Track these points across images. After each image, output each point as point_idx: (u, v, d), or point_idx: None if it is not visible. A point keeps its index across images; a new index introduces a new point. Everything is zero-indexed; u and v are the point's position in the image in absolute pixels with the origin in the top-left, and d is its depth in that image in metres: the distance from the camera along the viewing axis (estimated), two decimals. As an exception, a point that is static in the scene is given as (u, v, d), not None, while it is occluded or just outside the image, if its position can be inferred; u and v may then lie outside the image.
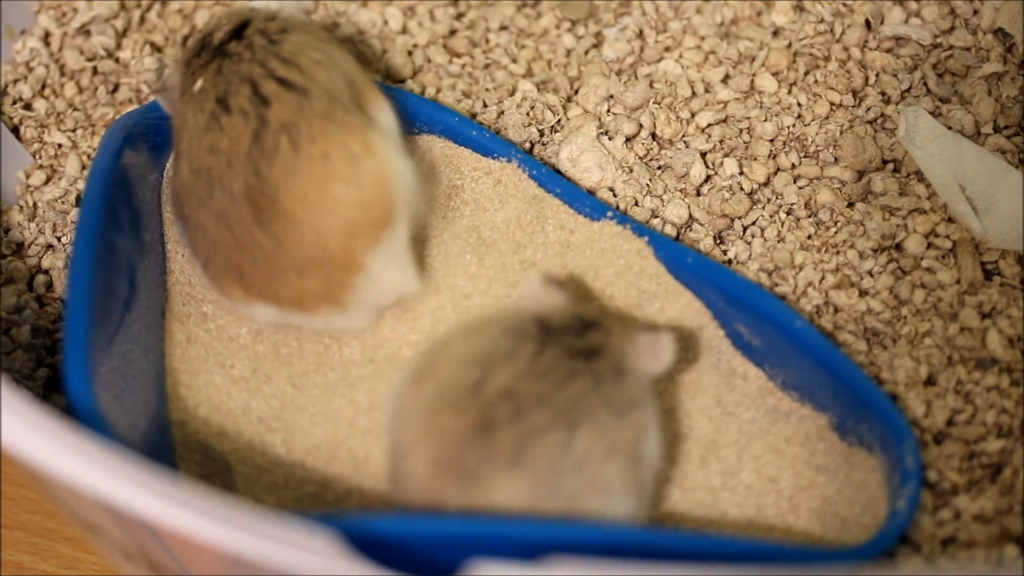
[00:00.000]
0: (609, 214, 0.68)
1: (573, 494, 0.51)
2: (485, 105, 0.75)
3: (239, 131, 0.60)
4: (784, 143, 0.73)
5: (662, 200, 0.71)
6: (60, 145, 0.74)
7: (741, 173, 0.72)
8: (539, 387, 0.52)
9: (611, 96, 0.75)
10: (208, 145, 0.60)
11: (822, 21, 0.78)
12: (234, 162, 0.59)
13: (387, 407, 0.57)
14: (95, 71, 0.77)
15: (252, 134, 0.59)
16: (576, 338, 0.55)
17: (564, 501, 0.51)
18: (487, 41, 0.79)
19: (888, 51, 0.76)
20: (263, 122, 0.59)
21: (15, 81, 0.76)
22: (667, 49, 0.78)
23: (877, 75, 0.75)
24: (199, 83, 0.62)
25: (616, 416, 0.53)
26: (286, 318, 0.62)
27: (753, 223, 0.70)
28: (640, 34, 0.78)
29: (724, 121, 0.74)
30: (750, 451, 0.61)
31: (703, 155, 0.73)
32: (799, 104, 0.74)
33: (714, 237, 0.70)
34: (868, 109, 0.74)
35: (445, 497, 0.52)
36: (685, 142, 0.73)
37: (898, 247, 0.69)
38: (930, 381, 0.64)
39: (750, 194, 0.71)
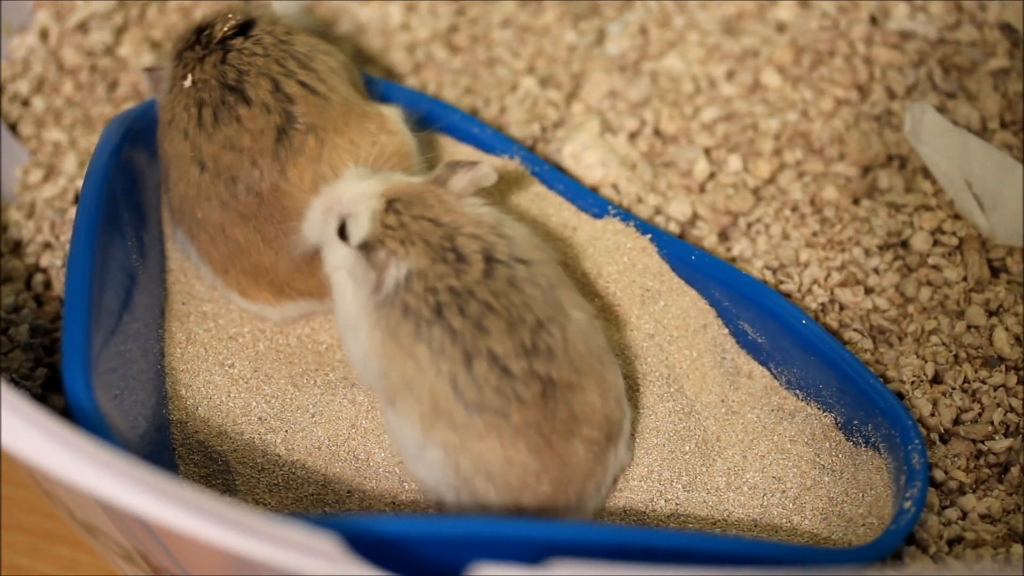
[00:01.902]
0: (612, 211, 0.67)
1: None
2: (487, 102, 0.75)
3: (261, 125, 0.60)
4: (789, 139, 0.73)
5: (665, 197, 0.70)
6: (58, 143, 0.74)
7: (745, 170, 0.72)
8: None
9: (614, 92, 0.75)
10: (226, 142, 0.60)
11: (827, 16, 0.77)
12: (259, 161, 0.60)
13: None
14: (93, 68, 0.77)
15: (276, 130, 0.60)
16: None
17: None
18: (489, 37, 0.78)
19: (894, 46, 0.76)
20: (290, 119, 0.60)
21: (13, 78, 0.76)
22: (670, 45, 0.77)
23: (883, 71, 0.75)
24: (188, 79, 0.62)
25: None
26: (319, 307, 0.64)
27: (758, 220, 0.70)
28: (643, 30, 0.78)
29: (728, 117, 0.74)
30: (755, 450, 0.61)
31: (707, 151, 0.72)
32: (804, 100, 0.74)
33: (718, 234, 0.69)
34: (873, 105, 0.73)
35: None
36: (689, 138, 0.73)
37: (904, 244, 0.68)
38: (936, 379, 0.64)
39: (754, 191, 0.71)
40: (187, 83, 0.62)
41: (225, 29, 0.63)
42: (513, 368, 0.53)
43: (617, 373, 0.58)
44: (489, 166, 0.58)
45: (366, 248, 0.55)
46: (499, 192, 0.69)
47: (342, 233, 0.57)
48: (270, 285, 0.62)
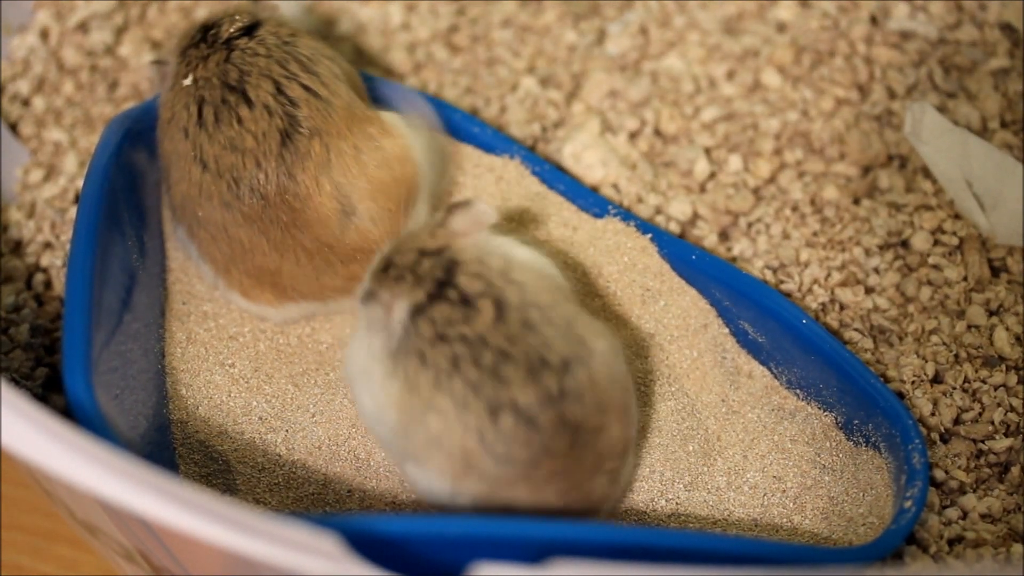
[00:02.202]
0: (612, 211, 0.67)
1: None
2: (487, 102, 0.75)
3: (263, 128, 0.60)
4: (789, 139, 0.73)
5: (666, 197, 0.70)
6: (59, 142, 0.74)
7: (746, 169, 0.72)
8: None
9: (614, 92, 0.75)
10: (227, 142, 0.60)
11: (827, 16, 0.77)
12: (263, 164, 0.60)
13: None
14: (94, 68, 0.77)
15: (280, 133, 0.60)
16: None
17: None
18: (489, 37, 0.78)
19: (894, 46, 0.76)
20: (293, 123, 0.60)
21: (13, 78, 0.76)
22: (671, 45, 0.77)
23: (883, 70, 0.75)
24: (189, 77, 0.62)
25: None
26: (321, 309, 0.64)
27: (758, 220, 0.70)
28: (643, 30, 0.78)
29: (728, 117, 0.74)
30: (755, 450, 0.61)
31: (707, 151, 0.72)
32: (804, 100, 0.74)
33: (718, 234, 0.69)
34: (874, 105, 0.73)
35: None
36: (689, 138, 0.73)
37: (904, 244, 0.68)
38: (937, 379, 0.64)
39: (755, 191, 0.71)
40: (187, 81, 0.62)
41: (231, 30, 0.63)
42: (540, 420, 0.52)
43: (634, 396, 0.57)
44: (487, 205, 0.57)
45: (368, 298, 0.55)
46: (500, 193, 0.69)
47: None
48: (273, 287, 0.62)
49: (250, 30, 0.63)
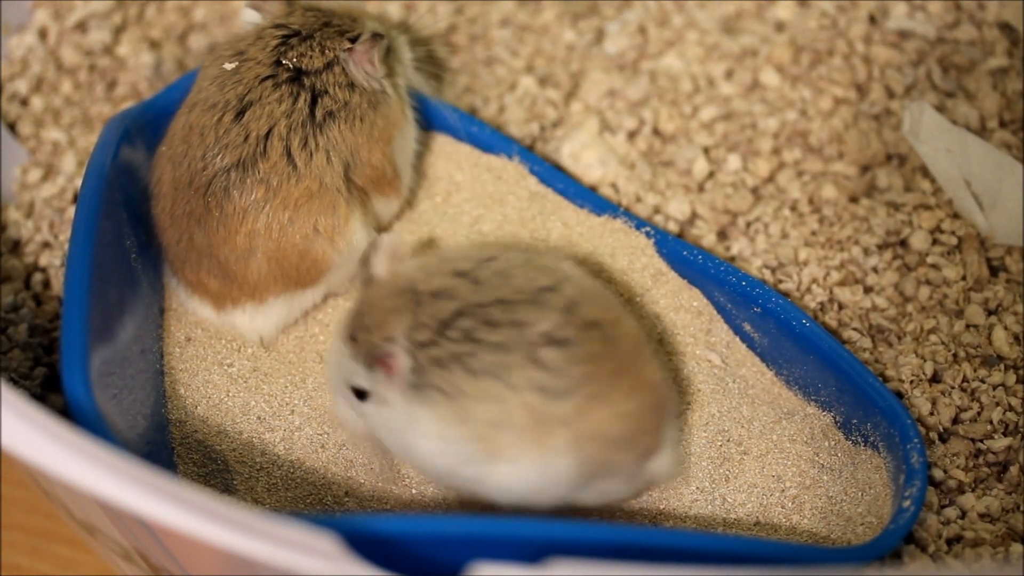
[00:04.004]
0: (611, 210, 0.67)
1: None
2: (486, 101, 0.75)
3: (236, 141, 0.61)
4: (787, 138, 0.73)
5: (664, 196, 0.70)
6: (57, 142, 0.74)
7: (744, 169, 0.72)
8: None
9: (613, 91, 0.75)
10: (200, 130, 0.62)
11: (826, 15, 0.77)
12: (212, 159, 0.62)
13: None
14: (92, 67, 0.77)
15: (240, 157, 0.61)
16: None
17: None
18: (488, 36, 0.78)
19: (892, 45, 0.76)
20: (253, 163, 0.60)
21: (12, 77, 0.76)
22: (669, 44, 0.77)
23: (881, 70, 0.75)
24: (233, 64, 0.62)
25: None
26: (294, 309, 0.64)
27: (757, 219, 0.70)
28: (642, 29, 0.78)
29: (727, 116, 0.74)
30: (754, 450, 0.61)
31: (706, 151, 0.72)
32: (803, 99, 0.74)
33: (717, 233, 0.69)
34: (872, 104, 0.73)
35: None
36: (688, 138, 0.73)
37: (903, 243, 0.68)
38: (935, 378, 0.64)
39: (753, 190, 0.71)
40: (229, 67, 0.62)
41: (311, 64, 0.62)
42: (571, 334, 0.52)
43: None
44: (394, 235, 0.57)
45: (374, 365, 0.54)
46: (498, 193, 0.69)
47: (359, 395, 0.56)
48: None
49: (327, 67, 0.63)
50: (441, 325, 0.53)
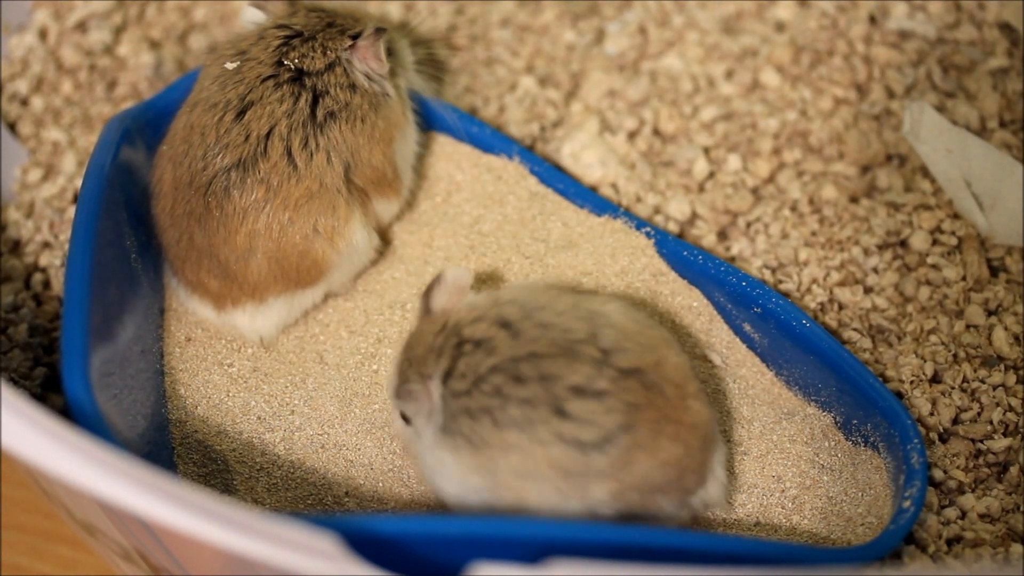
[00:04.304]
0: (611, 210, 0.67)
1: None
2: (486, 101, 0.75)
3: (236, 140, 0.61)
4: (788, 138, 0.73)
5: (664, 196, 0.70)
6: (57, 142, 0.74)
7: (744, 169, 0.72)
8: None
9: (613, 92, 0.75)
10: (201, 128, 0.62)
11: (826, 16, 0.77)
12: (212, 158, 0.62)
13: None
14: (92, 67, 0.77)
15: (240, 157, 0.61)
16: None
17: None
18: (488, 36, 0.78)
19: (893, 46, 0.76)
20: (254, 162, 0.60)
21: (12, 77, 0.76)
22: (669, 44, 0.77)
23: (882, 70, 0.75)
24: (235, 64, 0.62)
25: None
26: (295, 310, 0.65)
27: (757, 219, 0.70)
28: (642, 29, 0.78)
29: (727, 117, 0.74)
30: (755, 450, 0.61)
31: (706, 151, 0.72)
32: (803, 99, 0.74)
33: (717, 233, 0.69)
34: (872, 104, 0.73)
35: None
36: (688, 138, 0.73)
37: (903, 243, 0.68)
38: (936, 379, 0.64)
39: (753, 190, 0.71)
40: (231, 66, 0.62)
41: (313, 66, 0.62)
42: (604, 386, 0.52)
43: (671, 335, 0.58)
44: (459, 270, 0.57)
45: (405, 398, 0.55)
46: (498, 193, 0.69)
47: (404, 418, 0.57)
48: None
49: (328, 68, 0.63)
50: (477, 379, 0.53)
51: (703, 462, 0.55)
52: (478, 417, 0.53)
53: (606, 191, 0.71)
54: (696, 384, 0.56)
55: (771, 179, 0.71)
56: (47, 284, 0.69)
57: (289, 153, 0.61)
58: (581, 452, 0.52)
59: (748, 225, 0.70)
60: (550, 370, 0.52)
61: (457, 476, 0.54)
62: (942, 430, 0.62)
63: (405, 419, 0.56)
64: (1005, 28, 0.76)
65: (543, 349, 0.53)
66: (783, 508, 0.60)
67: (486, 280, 0.65)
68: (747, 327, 0.64)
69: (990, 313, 0.66)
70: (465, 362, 0.54)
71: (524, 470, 0.52)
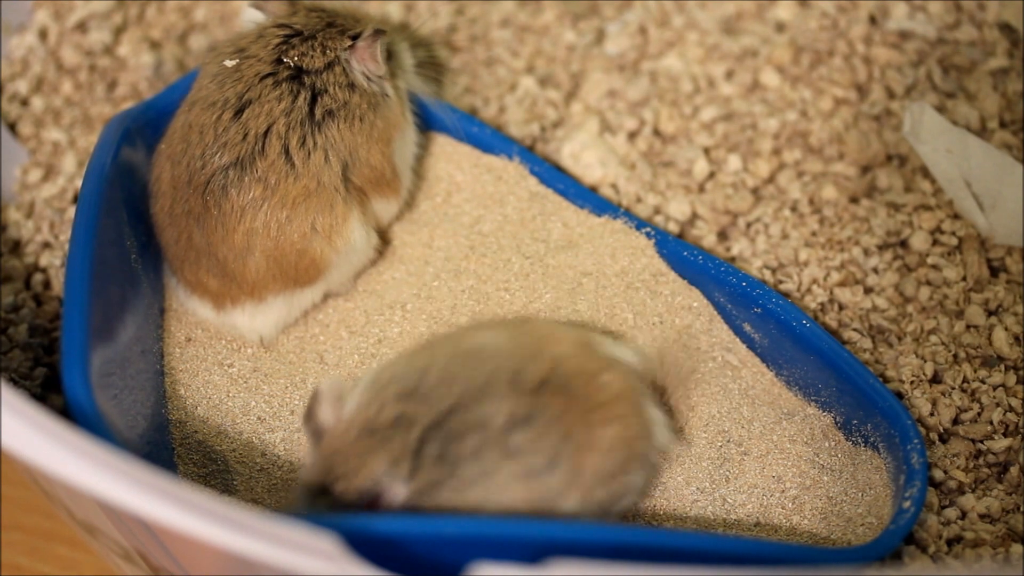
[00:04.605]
0: (611, 211, 0.67)
1: None
2: (486, 101, 0.75)
3: (235, 139, 0.61)
4: (788, 139, 0.73)
5: (665, 196, 0.70)
6: (57, 142, 0.74)
7: (745, 169, 0.72)
8: None
9: (613, 92, 0.75)
10: (199, 128, 0.62)
11: (826, 16, 0.77)
12: (208, 164, 0.62)
13: None
14: (92, 68, 0.77)
15: (238, 155, 0.61)
16: None
17: None
18: (488, 36, 0.78)
19: (893, 46, 0.76)
20: (252, 161, 0.60)
21: (12, 77, 0.76)
22: (669, 44, 0.77)
23: (882, 70, 0.75)
24: (234, 61, 0.62)
25: None
26: (294, 310, 0.65)
27: (757, 220, 0.70)
28: (642, 29, 0.78)
29: (727, 117, 0.74)
30: (755, 450, 0.61)
31: (706, 151, 0.72)
32: (803, 99, 0.74)
33: (717, 234, 0.69)
34: (873, 104, 0.73)
35: None
36: (688, 138, 0.73)
37: (903, 244, 0.68)
38: (936, 379, 0.64)
39: (754, 190, 0.71)
40: (229, 63, 0.62)
41: (312, 64, 0.62)
42: (527, 411, 0.52)
43: (532, 319, 0.58)
44: (331, 381, 0.54)
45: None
46: (498, 193, 0.69)
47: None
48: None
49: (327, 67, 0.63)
50: (413, 455, 0.51)
51: (641, 423, 0.55)
52: (432, 493, 0.51)
53: (606, 191, 0.71)
54: (589, 351, 0.55)
55: (771, 179, 0.71)
56: (47, 284, 0.69)
57: (287, 151, 0.61)
58: (539, 480, 0.52)
59: (748, 225, 0.70)
60: (478, 415, 0.52)
61: None
62: (942, 430, 0.62)
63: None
64: (1005, 28, 0.76)
65: (461, 400, 0.52)
66: (783, 508, 0.60)
67: (486, 281, 0.65)
68: (747, 327, 0.64)
69: (990, 313, 0.66)
70: (394, 445, 0.51)
71: (503, 510, 0.52)
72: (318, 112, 0.62)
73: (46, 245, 0.70)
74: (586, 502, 0.53)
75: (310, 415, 0.54)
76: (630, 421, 0.55)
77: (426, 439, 0.51)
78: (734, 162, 0.72)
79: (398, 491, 0.51)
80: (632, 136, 0.73)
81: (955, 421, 0.62)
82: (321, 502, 0.52)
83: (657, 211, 0.70)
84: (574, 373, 0.54)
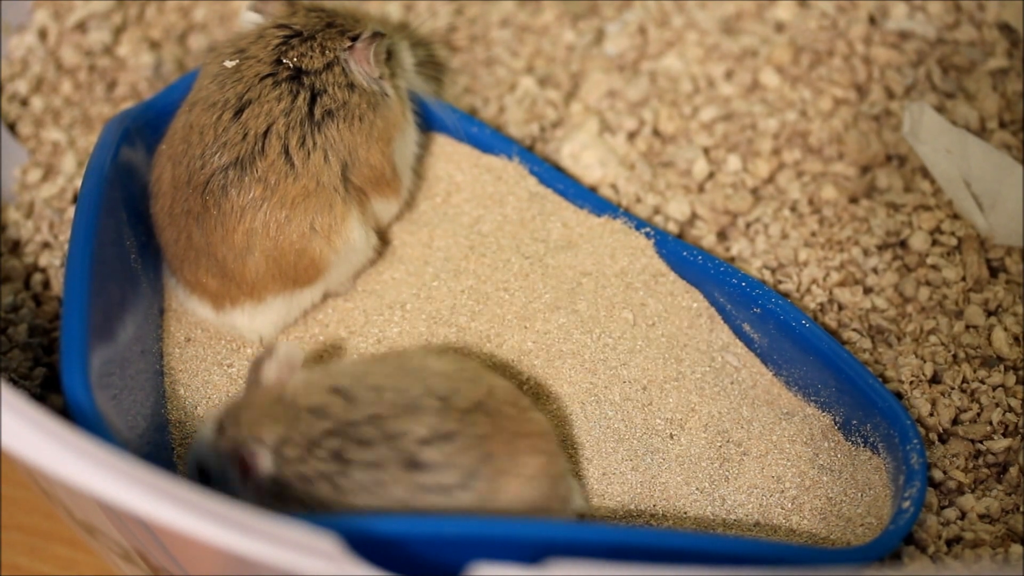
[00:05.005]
0: (611, 211, 0.67)
1: None
2: (486, 101, 0.75)
3: (234, 139, 0.61)
4: (787, 139, 0.73)
5: (664, 197, 0.70)
6: (57, 142, 0.74)
7: (744, 169, 0.72)
8: None
9: (613, 92, 0.75)
10: (199, 128, 0.61)
11: (825, 16, 0.77)
12: (210, 157, 0.62)
13: None
14: (92, 68, 0.77)
15: (238, 155, 0.61)
16: None
17: None
18: (488, 36, 0.78)
19: (892, 46, 0.76)
20: (251, 161, 0.60)
21: (12, 77, 0.76)
22: (669, 45, 0.77)
23: (881, 70, 0.75)
24: (234, 62, 0.62)
25: None
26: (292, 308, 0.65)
27: (756, 220, 0.70)
28: (642, 30, 0.78)
29: (727, 117, 0.74)
30: (754, 450, 0.61)
31: (706, 151, 0.72)
32: (803, 100, 0.74)
33: (717, 234, 0.69)
34: (872, 105, 0.73)
35: None
36: (688, 138, 0.73)
37: (903, 244, 0.68)
38: (935, 379, 0.64)
39: (753, 190, 0.71)
40: (229, 64, 0.62)
41: (311, 64, 0.62)
42: (451, 427, 0.52)
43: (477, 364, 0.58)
44: (290, 345, 0.56)
45: (228, 452, 0.53)
46: (498, 193, 0.69)
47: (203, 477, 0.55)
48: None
49: (326, 68, 0.63)
50: (310, 444, 0.52)
51: (562, 469, 0.55)
52: (315, 483, 0.51)
53: (606, 191, 0.71)
54: (527, 400, 0.56)
55: (771, 179, 0.71)
56: (47, 284, 0.69)
57: (287, 151, 0.61)
58: (446, 496, 0.52)
59: (748, 225, 0.70)
60: (395, 428, 0.52)
61: None
62: (942, 430, 0.62)
63: (204, 477, 0.54)
64: (1005, 29, 0.76)
65: (385, 411, 0.52)
66: (782, 508, 0.60)
67: (486, 281, 0.65)
68: (747, 327, 0.64)
69: (990, 314, 0.66)
70: (298, 428, 0.52)
71: None
72: (317, 112, 0.62)
73: (46, 245, 0.70)
74: None
75: (257, 365, 0.55)
76: (556, 460, 0.55)
77: (332, 433, 0.52)
78: (734, 162, 0.72)
79: (264, 462, 0.52)
80: (632, 136, 0.73)
81: (954, 421, 0.62)
82: (211, 439, 0.54)
83: (657, 211, 0.70)
84: (507, 402, 0.55)
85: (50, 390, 0.65)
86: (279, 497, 0.52)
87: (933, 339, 0.65)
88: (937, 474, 0.61)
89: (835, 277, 0.67)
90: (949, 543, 0.59)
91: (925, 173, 0.70)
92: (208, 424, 0.55)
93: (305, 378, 0.55)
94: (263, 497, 0.52)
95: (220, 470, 0.54)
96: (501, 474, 0.53)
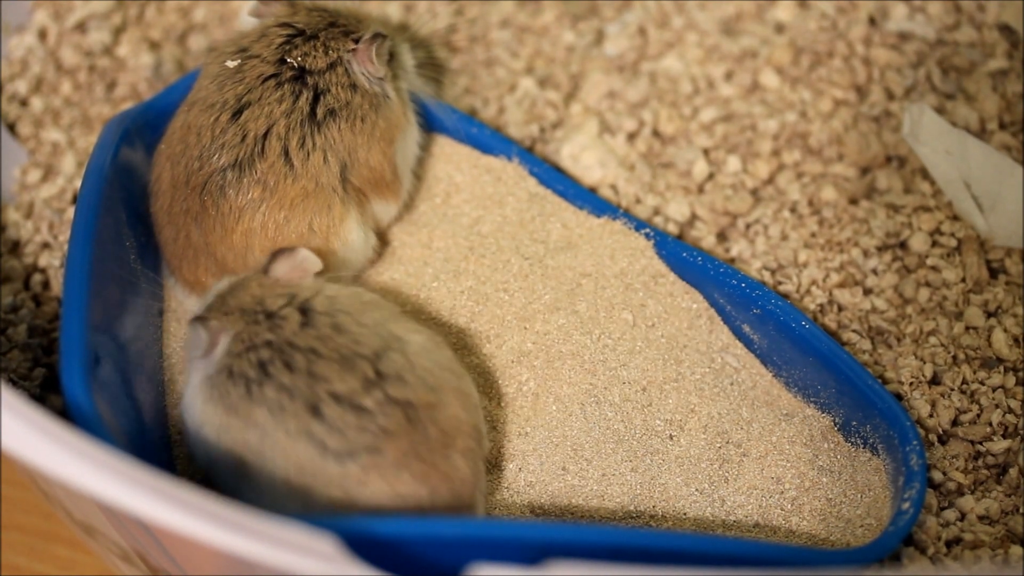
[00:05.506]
0: (611, 212, 0.67)
1: None
2: (486, 102, 0.75)
3: (233, 140, 0.60)
4: (787, 140, 0.73)
5: (664, 198, 0.70)
6: (57, 143, 0.74)
7: (744, 170, 0.72)
8: None
9: (612, 93, 0.75)
10: (197, 129, 0.62)
11: (825, 17, 0.77)
12: (208, 158, 0.62)
13: None
14: (92, 68, 0.77)
15: (237, 158, 0.61)
16: None
17: None
18: (488, 37, 0.78)
19: (892, 47, 0.76)
20: (251, 163, 0.61)
21: (11, 78, 0.76)
22: (669, 45, 0.77)
23: (881, 71, 0.75)
24: (236, 62, 0.62)
25: None
26: None
27: (756, 221, 0.70)
28: (642, 30, 0.78)
29: (727, 118, 0.74)
30: (754, 451, 0.61)
31: (705, 152, 0.72)
32: (802, 101, 0.74)
33: (717, 235, 0.69)
34: (872, 106, 0.73)
35: None
36: (687, 139, 0.73)
37: (903, 245, 0.68)
38: (935, 380, 0.64)
39: (753, 191, 0.71)
40: (231, 64, 0.62)
41: (314, 64, 0.62)
42: (367, 403, 0.52)
43: (471, 384, 0.57)
44: (309, 252, 0.58)
45: (196, 321, 0.56)
46: (497, 194, 0.69)
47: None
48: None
49: (328, 67, 0.63)
50: (251, 345, 0.54)
51: (447, 513, 0.54)
52: (236, 381, 0.54)
53: (605, 192, 0.71)
54: (470, 444, 0.55)
55: (770, 180, 0.71)
56: (46, 285, 0.69)
57: (286, 153, 0.61)
58: (320, 456, 0.52)
59: (747, 227, 0.70)
60: (321, 371, 0.53)
61: (198, 421, 0.55)
62: (941, 432, 0.62)
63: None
64: (1005, 30, 0.76)
65: (324, 351, 0.53)
66: (782, 509, 0.60)
67: (485, 282, 0.65)
68: (746, 328, 0.64)
69: (989, 315, 0.66)
70: (250, 329, 0.55)
71: (259, 451, 0.53)
72: (320, 112, 0.62)
73: (45, 245, 0.70)
74: (336, 512, 0.52)
75: (275, 256, 0.57)
76: (440, 504, 0.53)
77: (270, 345, 0.54)
78: (733, 163, 0.72)
79: (222, 346, 0.54)
80: (631, 137, 0.73)
81: (954, 422, 0.62)
82: (207, 303, 0.57)
83: (656, 212, 0.70)
84: (440, 426, 0.53)
85: (50, 390, 0.65)
86: (210, 386, 0.54)
87: (933, 340, 0.65)
88: (937, 475, 0.61)
89: (835, 278, 0.67)
90: (949, 544, 0.59)
91: (925, 174, 0.70)
92: (214, 292, 0.58)
93: (304, 284, 0.57)
94: (202, 382, 0.55)
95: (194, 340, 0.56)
96: (376, 472, 0.52)
